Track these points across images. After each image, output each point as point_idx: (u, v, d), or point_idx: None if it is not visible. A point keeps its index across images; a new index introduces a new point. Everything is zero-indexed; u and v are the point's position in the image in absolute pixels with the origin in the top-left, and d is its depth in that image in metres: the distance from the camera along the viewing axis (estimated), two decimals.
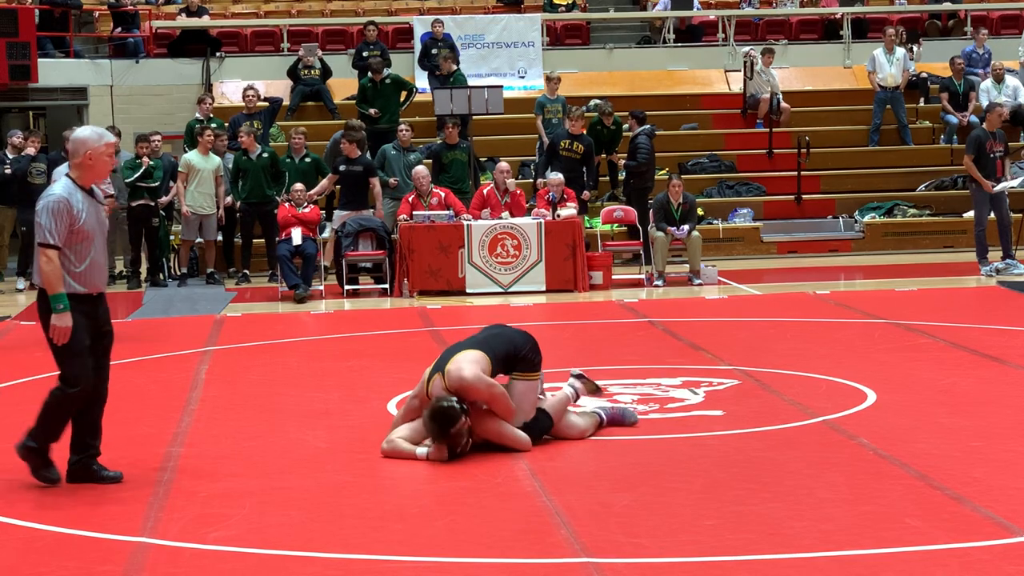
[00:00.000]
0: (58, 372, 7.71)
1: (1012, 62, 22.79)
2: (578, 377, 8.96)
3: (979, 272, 17.17)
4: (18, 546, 6.75)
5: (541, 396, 8.57)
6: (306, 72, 22.21)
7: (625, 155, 19.39)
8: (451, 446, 8.10)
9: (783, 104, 22.47)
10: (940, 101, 22.45)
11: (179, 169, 18.43)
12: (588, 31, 25.43)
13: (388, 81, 20.82)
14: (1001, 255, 17.36)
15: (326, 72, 22.43)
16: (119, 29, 23.81)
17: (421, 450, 8.15)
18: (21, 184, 18.11)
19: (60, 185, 7.68)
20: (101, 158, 7.70)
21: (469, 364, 8.16)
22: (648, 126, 19.37)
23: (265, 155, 18.33)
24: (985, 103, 21.66)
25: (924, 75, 23.32)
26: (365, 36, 22.35)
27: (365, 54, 21.92)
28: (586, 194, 18.38)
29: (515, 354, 8.39)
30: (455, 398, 8.08)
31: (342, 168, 17.89)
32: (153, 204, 18.07)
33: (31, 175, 18.12)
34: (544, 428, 8.47)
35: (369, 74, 20.85)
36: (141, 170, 17.88)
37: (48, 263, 7.47)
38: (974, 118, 21.64)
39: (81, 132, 7.80)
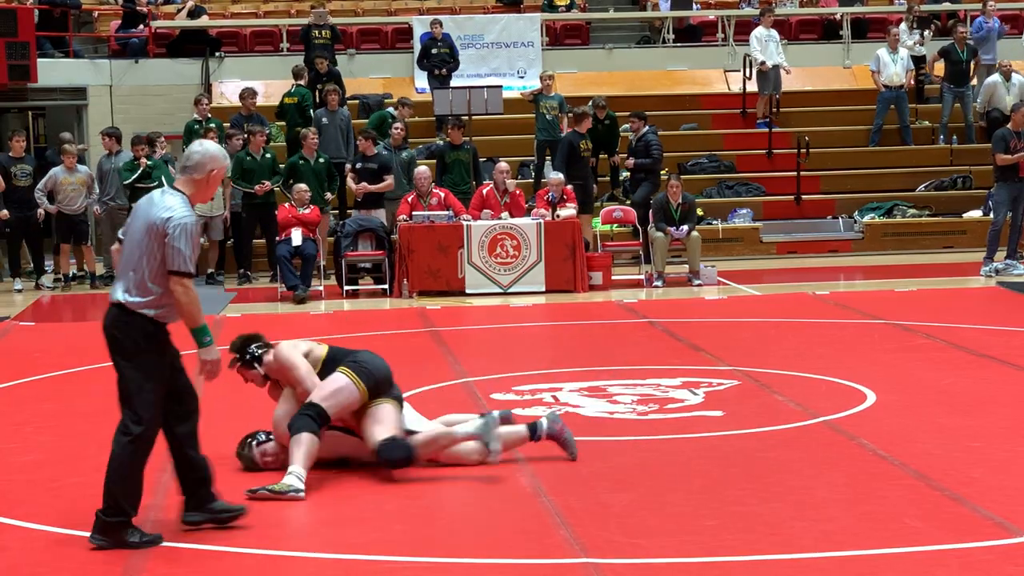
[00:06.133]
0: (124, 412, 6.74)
1: (1019, 62, 22.72)
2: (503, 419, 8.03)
3: (979, 272, 17.16)
4: (18, 546, 6.75)
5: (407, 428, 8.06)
6: (317, 34, 22.00)
7: (626, 155, 19.31)
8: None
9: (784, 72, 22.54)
10: (933, 70, 22.36)
11: None
12: (587, 31, 25.42)
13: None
14: (1004, 255, 17.34)
15: (336, 36, 22.29)
16: (131, 28, 23.75)
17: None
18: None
19: (181, 203, 6.69)
20: (219, 180, 6.95)
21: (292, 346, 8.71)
22: (651, 125, 19.36)
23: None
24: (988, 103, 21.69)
25: (924, 76, 23.33)
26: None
27: None
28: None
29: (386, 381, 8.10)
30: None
31: (358, 166, 17.91)
32: None
33: (15, 177, 18.11)
34: (404, 449, 7.76)
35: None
36: (139, 171, 17.87)
37: (186, 293, 6.77)
38: (985, 119, 21.54)
39: (211, 147, 6.85)
